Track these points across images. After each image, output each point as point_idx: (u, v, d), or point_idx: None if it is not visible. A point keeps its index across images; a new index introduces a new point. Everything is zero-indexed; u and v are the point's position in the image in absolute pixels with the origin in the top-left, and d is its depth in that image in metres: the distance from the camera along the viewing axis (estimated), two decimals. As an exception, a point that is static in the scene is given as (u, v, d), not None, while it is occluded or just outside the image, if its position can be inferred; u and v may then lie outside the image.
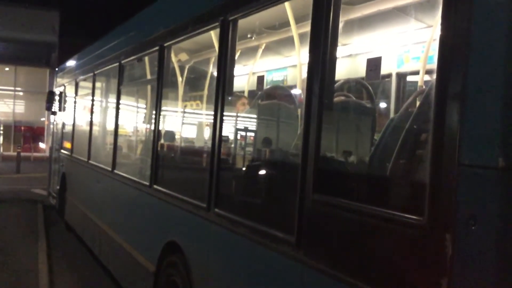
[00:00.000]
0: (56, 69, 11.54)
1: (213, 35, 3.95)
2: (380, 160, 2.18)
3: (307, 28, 3.23)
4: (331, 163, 2.35)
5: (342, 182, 2.29)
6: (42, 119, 25.35)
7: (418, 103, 2.22)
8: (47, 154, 23.81)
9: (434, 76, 1.69)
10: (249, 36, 4.82)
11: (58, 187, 9.27)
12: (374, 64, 2.16)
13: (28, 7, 22.68)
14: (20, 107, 27.78)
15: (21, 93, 27.56)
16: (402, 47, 4.43)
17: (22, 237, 7.68)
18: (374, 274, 1.89)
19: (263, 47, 5.12)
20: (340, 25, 3.79)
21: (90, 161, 6.86)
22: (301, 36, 3.57)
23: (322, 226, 2.21)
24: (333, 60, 2.28)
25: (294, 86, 3.90)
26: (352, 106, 2.57)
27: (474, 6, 1.56)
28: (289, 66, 5.87)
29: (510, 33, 1.47)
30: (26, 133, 25.87)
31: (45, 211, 9.84)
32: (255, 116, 3.62)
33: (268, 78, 6.24)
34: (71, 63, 9.48)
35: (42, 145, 25.32)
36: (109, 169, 5.70)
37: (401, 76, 4.63)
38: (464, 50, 1.58)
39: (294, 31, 3.63)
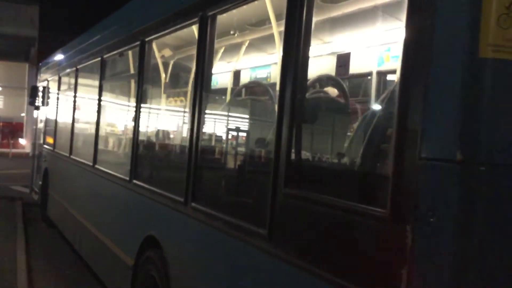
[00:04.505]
0: (40, 64, 11.43)
1: (196, 31, 3.96)
2: (349, 155, 2.23)
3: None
4: (302, 158, 2.39)
5: (312, 176, 2.34)
6: (22, 114, 24.71)
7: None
8: (26, 150, 23.20)
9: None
10: (231, 32, 4.84)
11: (40, 183, 9.20)
12: (343, 60, 2.21)
13: (7, 0, 22.11)
14: (-2, 102, 26.85)
15: (-1, 88, 26.77)
16: (382, 46, 4.49)
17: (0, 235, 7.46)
18: (340, 264, 1.94)
19: (246, 44, 5.15)
20: (319, 23, 3.83)
21: (72, 156, 6.83)
22: (282, 34, 3.60)
23: (292, 219, 2.25)
24: (305, 58, 2.32)
25: (275, 83, 3.94)
26: (325, 102, 2.62)
27: (437, 10, 1.61)
28: (273, 64, 5.91)
29: (469, 36, 1.53)
30: (4, 129, 25.02)
31: (24, 209, 9.60)
32: (231, 112, 3.66)
33: (252, 75, 6.27)
34: (54, 58, 9.42)
35: (22, 141, 24.62)
36: (91, 164, 5.69)
37: (381, 75, 4.69)
38: (427, 51, 1.63)
39: (275, 28, 3.66)
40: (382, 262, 1.73)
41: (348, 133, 2.59)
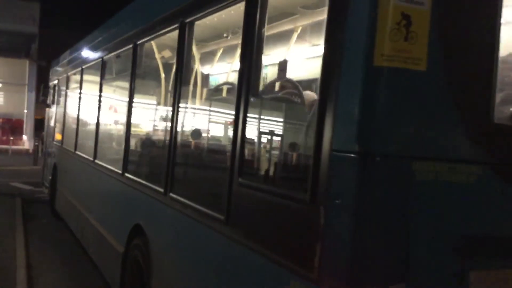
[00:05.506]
0: (52, 62, 11.90)
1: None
2: (290, 149, 2.52)
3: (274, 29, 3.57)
4: (253, 152, 2.69)
5: (260, 167, 2.64)
6: (25, 111, 24.39)
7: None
8: (26, 147, 23.23)
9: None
10: (225, 35, 5.14)
11: (50, 177, 9.63)
12: (283, 66, 2.51)
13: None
14: (-2, 99, 26.33)
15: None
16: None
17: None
18: (276, 243, 2.23)
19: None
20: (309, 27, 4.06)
21: (77, 152, 7.22)
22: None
23: (244, 205, 2.56)
24: (259, 63, 2.62)
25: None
26: (278, 102, 2.92)
27: (346, 27, 1.90)
28: (269, 65, 6.18)
29: (368, 47, 1.81)
30: (4, 125, 24.69)
31: (24, 205, 9.54)
32: (206, 110, 3.97)
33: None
34: (63, 57, 9.84)
35: (24, 137, 24.39)
36: (91, 159, 6.07)
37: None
38: (338, 61, 1.92)
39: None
40: (306, 239, 2.02)
41: (296, 130, 2.88)
